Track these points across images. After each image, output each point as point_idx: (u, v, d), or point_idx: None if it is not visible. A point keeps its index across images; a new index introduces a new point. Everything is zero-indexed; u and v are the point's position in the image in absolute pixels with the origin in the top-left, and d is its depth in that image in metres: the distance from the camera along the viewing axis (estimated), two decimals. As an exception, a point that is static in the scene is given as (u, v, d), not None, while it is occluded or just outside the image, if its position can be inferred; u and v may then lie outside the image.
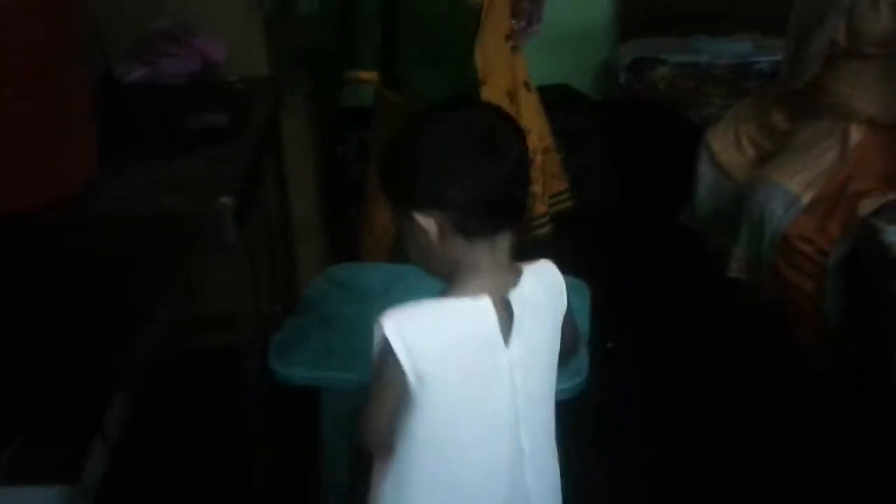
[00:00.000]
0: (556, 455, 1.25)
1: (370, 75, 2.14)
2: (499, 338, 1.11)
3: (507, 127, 1.13)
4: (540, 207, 2.33)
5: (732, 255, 2.20)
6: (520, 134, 1.15)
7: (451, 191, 1.06)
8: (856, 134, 2.16)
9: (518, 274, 1.14)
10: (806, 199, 2.10)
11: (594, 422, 1.94)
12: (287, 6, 2.49)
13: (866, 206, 2.04)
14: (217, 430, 1.94)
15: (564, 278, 1.22)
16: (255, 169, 1.66)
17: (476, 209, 1.07)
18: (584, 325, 1.68)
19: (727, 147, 2.41)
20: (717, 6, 3.35)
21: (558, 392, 1.48)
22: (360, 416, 1.16)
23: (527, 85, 2.35)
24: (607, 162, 3.19)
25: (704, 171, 2.45)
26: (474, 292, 1.10)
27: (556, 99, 2.76)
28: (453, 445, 1.14)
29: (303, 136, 2.36)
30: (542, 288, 1.17)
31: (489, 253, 1.11)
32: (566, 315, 1.22)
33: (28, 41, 1.29)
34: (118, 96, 1.77)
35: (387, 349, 1.06)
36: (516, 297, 1.11)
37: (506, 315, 1.11)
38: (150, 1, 2.04)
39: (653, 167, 2.90)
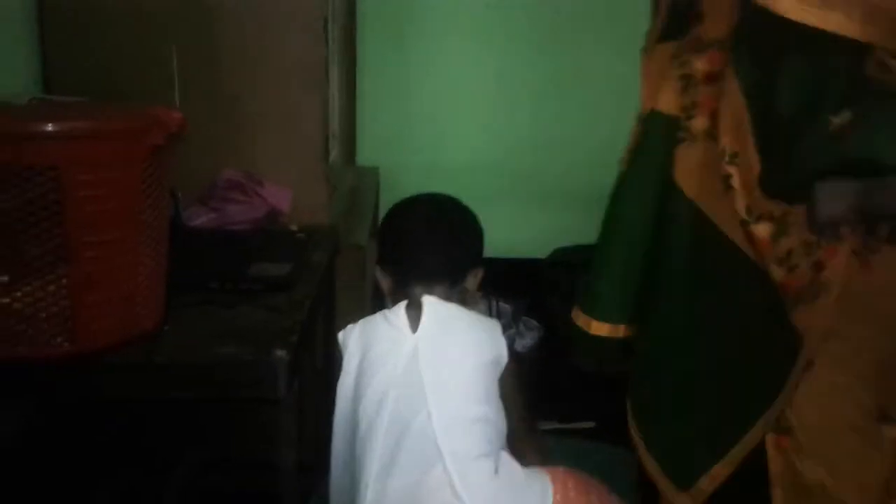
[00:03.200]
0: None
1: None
2: (406, 327, 1.53)
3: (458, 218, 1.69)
4: None
5: None
6: (456, 228, 1.68)
7: (404, 266, 1.62)
8: None
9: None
10: None
11: None
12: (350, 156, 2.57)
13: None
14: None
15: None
16: (310, 320, 1.69)
17: (416, 280, 1.59)
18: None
19: None
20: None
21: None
22: None
23: None
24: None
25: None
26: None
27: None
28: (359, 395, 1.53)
29: (355, 285, 2.39)
30: (464, 314, 1.56)
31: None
32: (506, 366, 1.56)
33: (123, 189, 1.32)
34: (183, 240, 1.82)
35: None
36: (428, 300, 1.54)
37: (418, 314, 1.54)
38: (220, 147, 2.13)
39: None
